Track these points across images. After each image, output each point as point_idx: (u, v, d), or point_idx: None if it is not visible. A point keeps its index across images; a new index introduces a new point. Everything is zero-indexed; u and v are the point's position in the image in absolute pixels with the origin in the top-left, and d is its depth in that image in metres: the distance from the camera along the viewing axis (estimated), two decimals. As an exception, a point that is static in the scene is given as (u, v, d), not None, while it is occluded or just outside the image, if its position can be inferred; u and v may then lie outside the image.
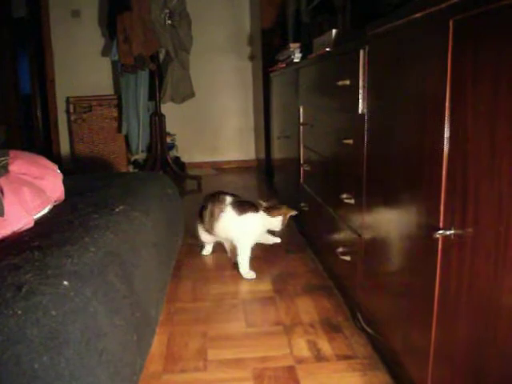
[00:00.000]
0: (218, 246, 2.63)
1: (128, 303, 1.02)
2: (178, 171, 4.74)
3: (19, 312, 0.72)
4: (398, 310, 1.35)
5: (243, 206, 2.33)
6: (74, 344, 0.74)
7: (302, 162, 2.70)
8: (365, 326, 1.67)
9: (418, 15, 1.13)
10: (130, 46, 4.31)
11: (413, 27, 1.19)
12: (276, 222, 2.38)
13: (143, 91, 4.74)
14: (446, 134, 1.01)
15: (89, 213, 1.31)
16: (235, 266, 2.36)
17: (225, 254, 2.59)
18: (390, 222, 1.40)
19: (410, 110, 1.22)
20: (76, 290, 0.84)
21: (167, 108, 4.87)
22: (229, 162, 5.71)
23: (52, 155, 5.39)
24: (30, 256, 0.95)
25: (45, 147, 5.96)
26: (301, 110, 2.66)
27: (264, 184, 4.70)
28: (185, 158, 5.41)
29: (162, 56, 4.67)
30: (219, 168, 5.63)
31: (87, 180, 1.91)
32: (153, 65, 4.52)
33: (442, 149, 1.03)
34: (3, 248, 1.04)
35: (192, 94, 4.78)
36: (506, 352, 0.86)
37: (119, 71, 4.68)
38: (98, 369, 0.77)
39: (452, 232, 1.00)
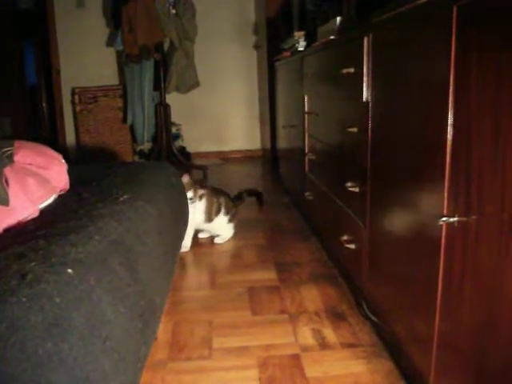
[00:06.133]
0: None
1: (132, 291, 1.03)
2: (183, 161, 4.74)
3: (24, 299, 0.73)
4: (402, 297, 1.35)
5: None
6: (78, 331, 0.75)
7: (306, 151, 2.69)
8: (369, 315, 1.68)
9: (421, 1, 1.12)
10: (134, 36, 4.30)
11: (416, 14, 1.18)
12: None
13: (148, 81, 4.73)
14: (450, 121, 1.01)
15: (93, 202, 1.32)
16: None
17: (230, 242, 2.63)
18: (394, 210, 1.40)
19: (413, 98, 1.22)
20: (80, 277, 0.85)
21: (172, 98, 4.86)
22: (234, 152, 5.71)
23: (58, 146, 5.41)
24: (35, 245, 0.95)
25: (50, 138, 5.98)
26: (305, 98, 2.65)
27: (269, 173, 4.69)
28: (190, 148, 5.41)
29: (166, 46, 4.66)
30: (225, 158, 5.63)
31: (92, 170, 1.91)
32: (157, 54, 4.51)
33: (446, 136, 1.02)
34: (8, 237, 1.05)
35: (197, 84, 4.76)
36: (509, 340, 0.87)
37: (124, 61, 4.67)
38: (102, 355, 0.78)
39: (456, 219, 1.00)
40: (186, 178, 2.40)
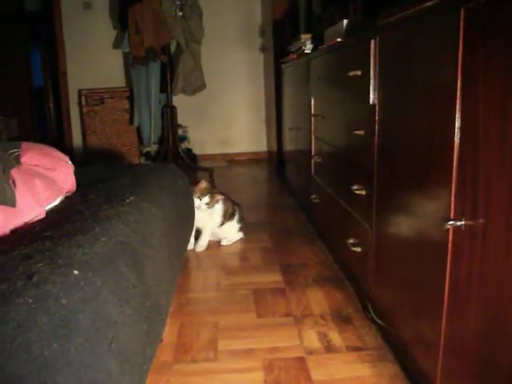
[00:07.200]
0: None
1: (138, 293, 1.03)
2: (189, 163, 4.74)
3: (30, 300, 0.73)
4: (409, 301, 1.35)
5: None
6: (84, 332, 0.75)
7: (313, 153, 2.69)
8: (375, 318, 1.67)
9: (428, 4, 1.12)
10: (141, 38, 4.31)
11: (424, 16, 1.17)
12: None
13: (154, 83, 4.74)
14: (457, 124, 1.01)
15: (100, 203, 1.32)
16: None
17: (236, 244, 2.64)
18: (400, 213, 1.39)
19: (421, 100, 1.21)
20: (86, 279, 0.85)
21: (179, 100, 4.87)
22: (240, 154, 5.71)
23: (64, 147, 5.42)
24: (41, 246, 0.96)
25: (57, 139, 6.00)
26: (312, 101, 2.65)
27: (275, 176, 4.69)
28: (196, 150, 5.42)
29: (173, 48, 4.67)
30: (231, 160, 5.63)
31: (98, 171, 1.92)
32: (164, 56, 4.52)
33: (453, 139, 1.02)
34: (15, 238, 1.06)
35: (203, 86, 4.77)
36: (516, 343, 0.86)
37: (131, 63, 4.68)
38: (108, 357, 0.78)
39: (463, 223, 1.00)
40: (204, 184, 2.43)
